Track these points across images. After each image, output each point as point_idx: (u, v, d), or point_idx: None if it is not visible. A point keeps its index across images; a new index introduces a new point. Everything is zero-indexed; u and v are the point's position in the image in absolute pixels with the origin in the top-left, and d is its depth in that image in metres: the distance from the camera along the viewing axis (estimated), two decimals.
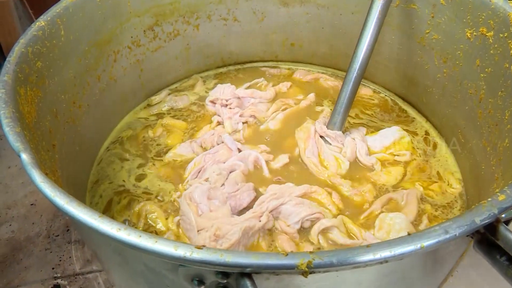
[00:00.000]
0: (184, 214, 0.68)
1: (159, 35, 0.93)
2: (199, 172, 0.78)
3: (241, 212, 0.71)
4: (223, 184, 0.74)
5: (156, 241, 0.39)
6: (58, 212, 1.07)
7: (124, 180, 0.80)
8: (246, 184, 0.74)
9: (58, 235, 1.02)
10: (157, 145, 0.87)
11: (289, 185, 0.74)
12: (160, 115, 0.94)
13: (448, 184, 0.79)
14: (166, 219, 0.72)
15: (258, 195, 0.74)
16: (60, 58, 0.72)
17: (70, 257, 0.97)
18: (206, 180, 0.74)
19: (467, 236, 0.47)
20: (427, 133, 0.90)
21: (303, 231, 0.70)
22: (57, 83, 0.71)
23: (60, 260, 0.97)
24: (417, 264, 0.48)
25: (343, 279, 0.44)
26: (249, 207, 0.72)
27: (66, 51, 0.73)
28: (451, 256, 0.52)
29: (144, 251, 0.39)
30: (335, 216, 0.72)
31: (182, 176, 0.79)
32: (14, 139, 0.50)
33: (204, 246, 0.39)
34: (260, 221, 0.67)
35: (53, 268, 0.95)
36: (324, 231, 0.69)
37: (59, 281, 0.93)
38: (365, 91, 0.99)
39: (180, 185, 0.77)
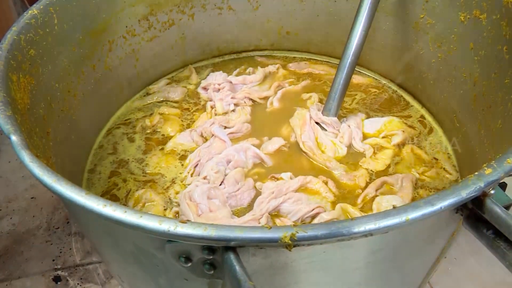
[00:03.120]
0: (183, 214, 0.68)
1: (154, 24, 0.93)
2: (196, 166, 0.78)
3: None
4: (222, 182, 0.73)
5: (141, 216, 0.39)
6: (58, 205, 1.08)
7: (124, 170, 0.80)
8: (246, 183, 0.74)
9: (58, 228, 1.03)
10: (156, 133, 0.87)
11: (285, 180, 0.74)
12: (156, 104, 0.94)
13: (445, 170, 0.79)
14: (165, 209, 0.72)
15: (257, 193, 0.73)
16: (54, 46, 0.72)
17: (70, 249, 0.98)
18: (205, 178, 0.74)
19: (456, 212, 0.47)
20: (423, 117, 0.90)
21: None
22: (51, 71, 0.71)
23: (61, 252, 0.98)
24: (406, 241, 0.48)
25: (330, 255, 0.44)
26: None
27: (60, 39, 0.73)
28: (441, 234, 0.52)
29: (130, 227, 0.40)
30: (333, 203, 0.72)
31: (183, 166, 0.80)
32: (4, 122, 0.51)
33: (188, 220, 0.39)
34: (259, 223, 0.67)
35: (53, 260, 0.96)
36: None
37: (59, 272, 0.94)
38: (360, 79, 0.99)
39: (180, 181, 0.77)
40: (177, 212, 0.70)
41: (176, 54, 1.01)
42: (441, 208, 0.41)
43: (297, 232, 0.37)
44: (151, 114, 0.92)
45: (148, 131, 0.88)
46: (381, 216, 0.39)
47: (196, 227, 0.38)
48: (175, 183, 0.77)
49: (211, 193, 0.70)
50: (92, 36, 0.82)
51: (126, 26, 0.89)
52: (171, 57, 1.01)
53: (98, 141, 0.87)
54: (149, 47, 0.95)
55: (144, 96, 0.97)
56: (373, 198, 0.72)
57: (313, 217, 0.69)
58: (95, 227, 0.51)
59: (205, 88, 0.95)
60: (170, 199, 0.74)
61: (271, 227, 0.38)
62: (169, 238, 0.40)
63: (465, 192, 0.42)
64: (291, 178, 0.74)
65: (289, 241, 0.37)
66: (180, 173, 0.78)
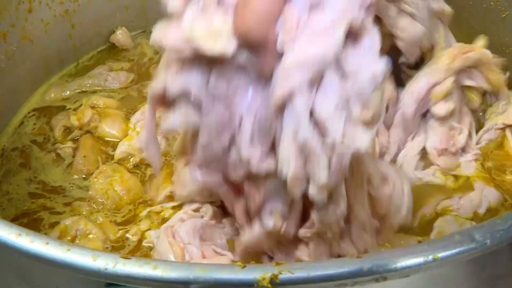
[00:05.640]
0: (161, 257, 0.70)
1: None
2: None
3: None
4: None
5: (69, 249, 0.46)
6: None
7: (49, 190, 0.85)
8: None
9: None
10: (89, 137, 0.90)
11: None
12: (83, 94, 0.99)
13: None
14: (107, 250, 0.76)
15: None
16: None
17: None
18: (197, 210, 0.76)
19: None
20: None
21: None
22: None
23: None
24: None
25: None
26: None
27: None
28: None
29: (53, 264, 0.46)
30: None
31: (145, 184, 0.84)
32: None
33: (133, 256, 0.46)
34: None
35: None
36: None
37: None
38: None
39: (149, 209, 0.81)
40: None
41: (134, 17, 1.08)
42: (486, 244, 0.46)
43: (281, 273, 0.44)
44: (76, 108, 0.95)
45: (79, 132, 0.91)
46: (398, 253, 0.45)
47: (143, 264, 0.45)
48: (139, 214, 0.81)
49: (206, 232, 0.73)
50: None
51: None
52: (125, 20, 1.07)
53: (3, 145, 0.91)
54: (92, 7, 1.00)
55: (70, 78, 1.01)
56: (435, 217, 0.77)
57: None
58: (4, 270, 0.58)
59: None
60: (126, 237, 0.78)
61: (245, 266, 0.45)
62: (108, 280, 0.47)
63: None
64: None
65: (269, 285, 0.44)
66: (141, 197, 0.83)
